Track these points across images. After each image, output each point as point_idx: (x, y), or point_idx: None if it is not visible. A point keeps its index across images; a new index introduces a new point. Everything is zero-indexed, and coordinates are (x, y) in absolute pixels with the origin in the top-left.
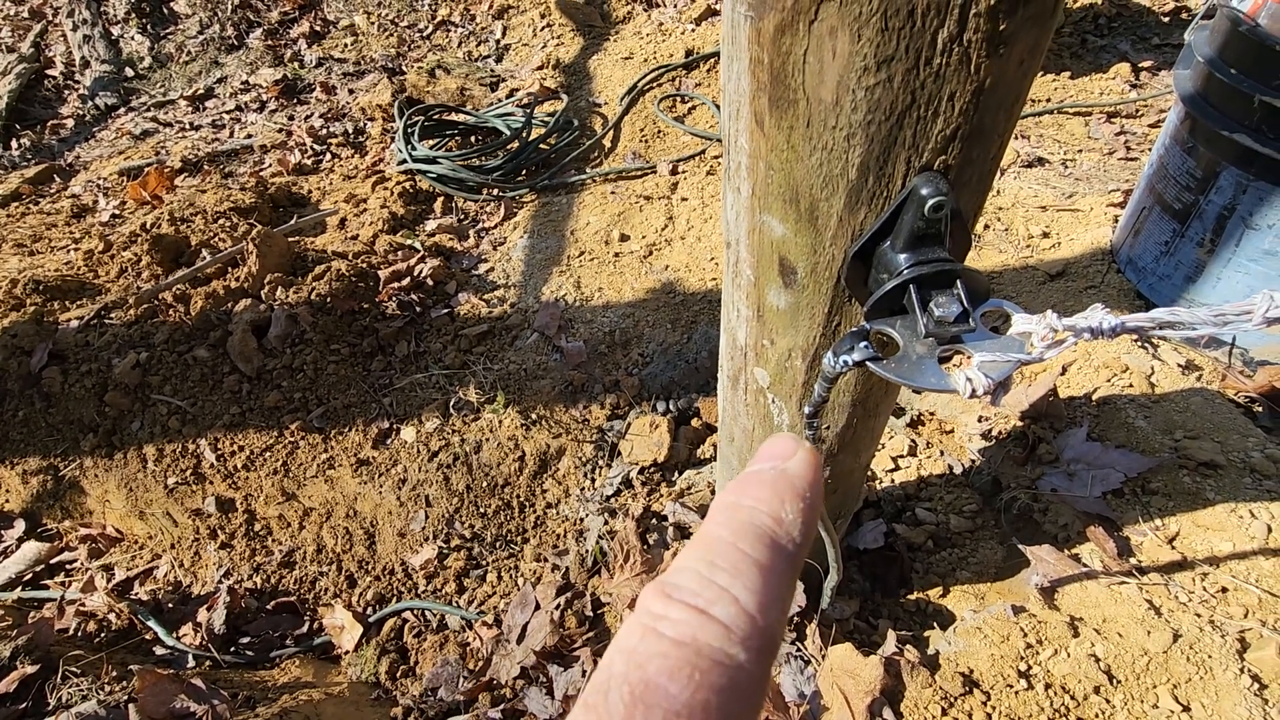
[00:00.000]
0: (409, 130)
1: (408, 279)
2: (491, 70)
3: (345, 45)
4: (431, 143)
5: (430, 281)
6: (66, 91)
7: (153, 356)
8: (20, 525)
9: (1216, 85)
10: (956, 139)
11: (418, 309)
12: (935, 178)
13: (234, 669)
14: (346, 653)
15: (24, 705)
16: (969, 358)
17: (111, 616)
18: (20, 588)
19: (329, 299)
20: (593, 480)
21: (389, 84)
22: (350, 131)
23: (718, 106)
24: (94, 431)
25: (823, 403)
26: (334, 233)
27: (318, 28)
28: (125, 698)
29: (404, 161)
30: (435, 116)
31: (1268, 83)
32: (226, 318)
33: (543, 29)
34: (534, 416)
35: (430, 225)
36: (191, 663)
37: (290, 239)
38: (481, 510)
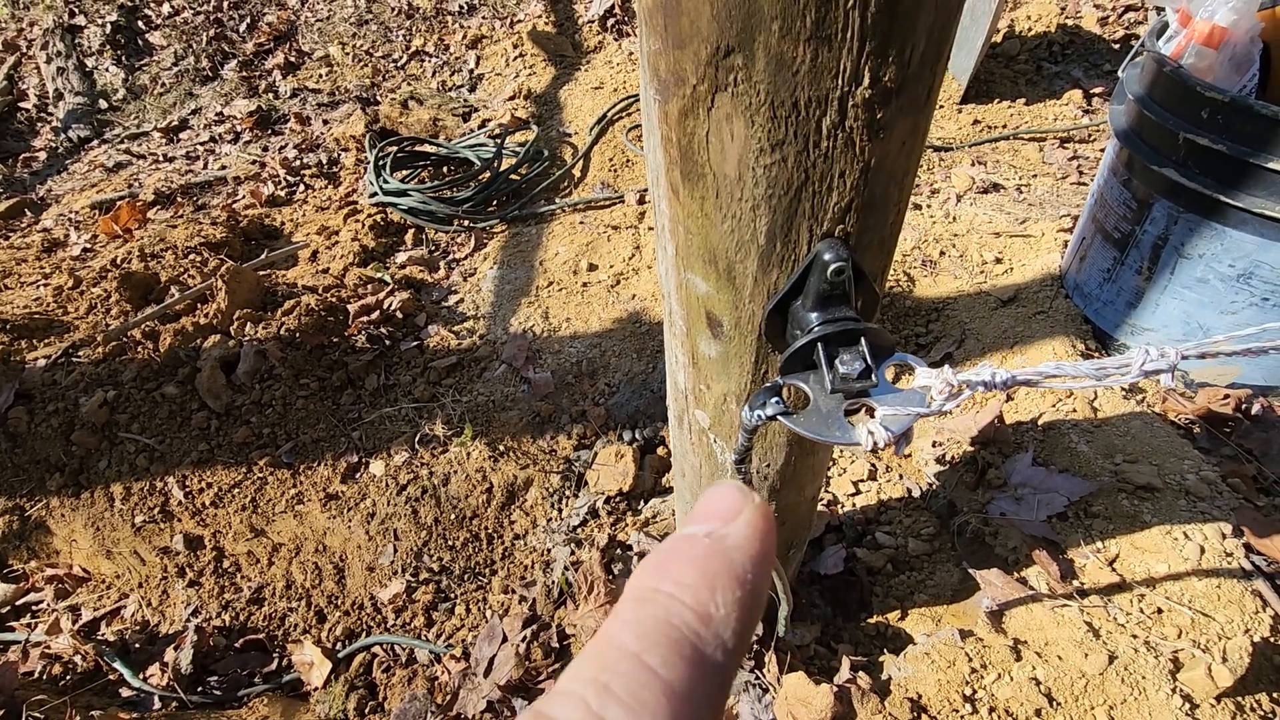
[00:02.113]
0: (380, 162)
1: (377, 312)
2: (464, 100)
3: (320, 76)
4: (403, 174)
5: (400, 314)
6: (39, 124)
7: (121, 394)
8: None
9: (1146, 122)
10: (852, 210)
11: (387, 342)
12: (836, 244)
13: (201, 709)
14: (315, 689)
15: None
16: (872, 411)
17: (77, 658)
18: None
19: (298, 334)
20: (560, 510)
21: (362, 115)
22: (324, 162)
23: None
24: (60, 471)
25: (746, 451)
26: (305, 265)
27: (292, 59)
28: None
29: (375, 194)
30: (407, 148)
31: (1192, 121)
32: (195, 354)
33: (515, 59)
34: (502, 448)
35: (401, 257)
36: (158, 704)
37: (261, 273)
38: (450, 543)
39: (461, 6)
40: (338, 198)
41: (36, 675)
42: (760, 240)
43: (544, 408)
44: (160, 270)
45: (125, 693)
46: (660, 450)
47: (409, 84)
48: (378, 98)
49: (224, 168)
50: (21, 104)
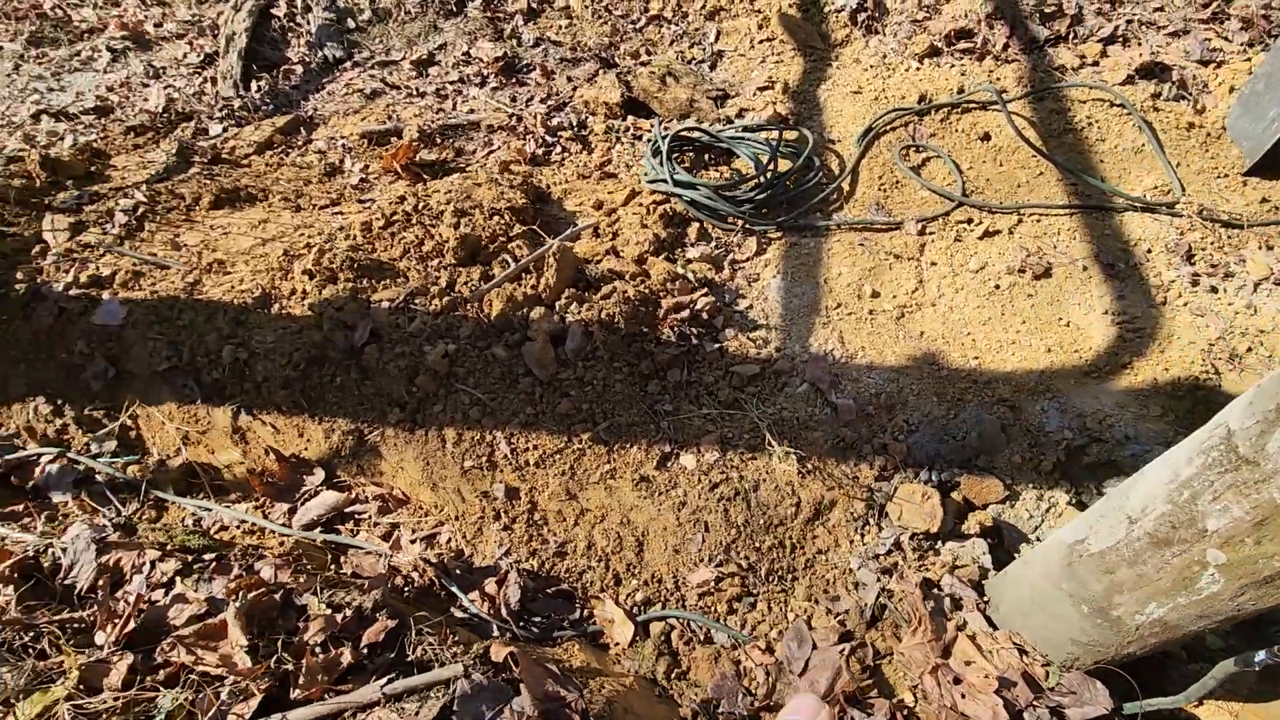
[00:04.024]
0: (670, 150)
1: (686, 311)
2: (710, 79)
3: (560, 27)
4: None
5: (705, 315)
6: (290, 35)
7: (459, 349)
8: (320, 473)
9: None
10: None
11: (694, 340)
12: None
13: (527, 642)
14: (617, 645)
15: (393, 655)
16: None
17: (414, 574)
18: (318, 529)
19: (616, 319)
20: (861, 536)
21: (617, 83)
22: (574, 124)
23: (955, 163)
24: (401, 407)
25: None
26: (591, 242)
27: (534, 4)
28: (469, 662)
29: (661, 181)
30: (681, 135)
31: None
32: (524, 323)
33: (761, 42)
34: (809, 466)
35: (691, 252)
36: (495, 631)
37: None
38: (756, 545)
39: None
40: (593, 165)
41: None
42: None
43: (847, 434)
44: (475, 230)
45: (456, 614)
46: (955, 495)
47: (646, 50)
48: (616, 60)
49: (473, 112)
50: (273, 10)
